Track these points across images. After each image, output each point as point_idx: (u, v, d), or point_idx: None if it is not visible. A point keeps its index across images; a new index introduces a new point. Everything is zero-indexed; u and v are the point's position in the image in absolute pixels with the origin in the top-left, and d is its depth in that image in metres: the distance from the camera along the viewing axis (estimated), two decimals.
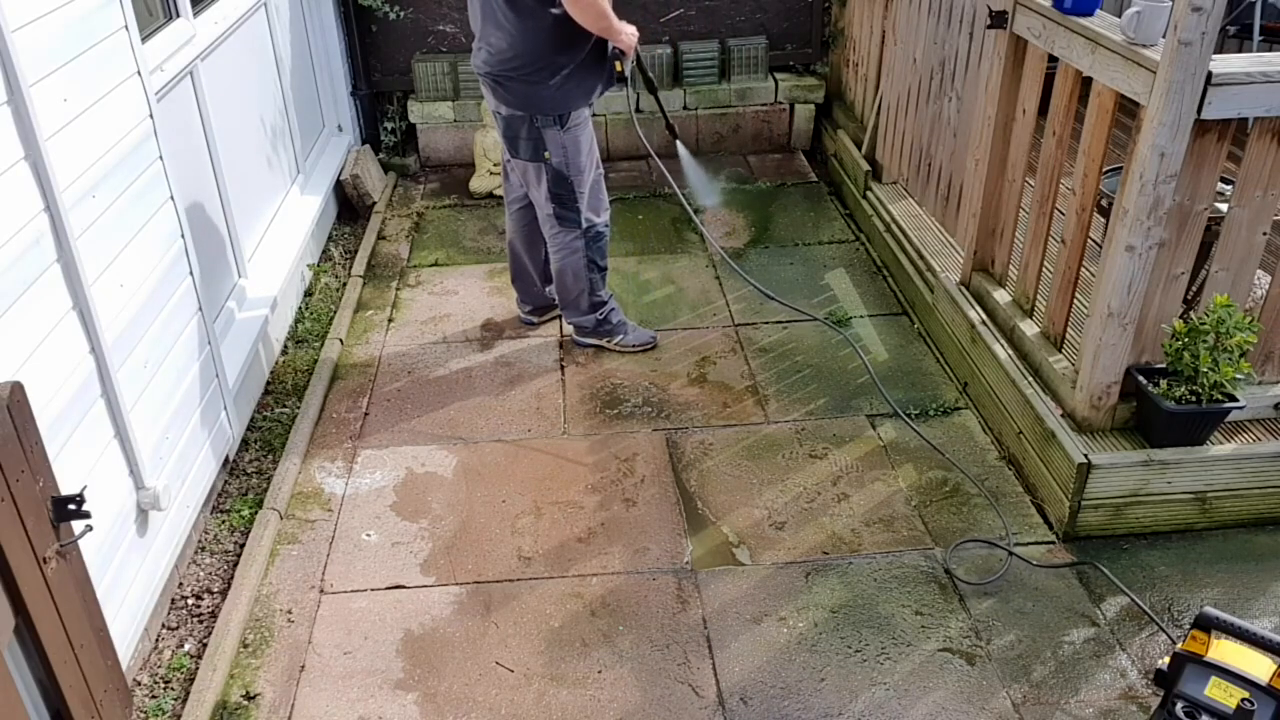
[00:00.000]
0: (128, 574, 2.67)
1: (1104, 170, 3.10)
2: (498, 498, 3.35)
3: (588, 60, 3.59)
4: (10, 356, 2.21)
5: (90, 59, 2.64)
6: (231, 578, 3.04)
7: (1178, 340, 2.95)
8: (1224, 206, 2.95)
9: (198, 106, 3.73)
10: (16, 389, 1.96)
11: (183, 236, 3.16)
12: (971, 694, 2.62)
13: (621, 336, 4.11)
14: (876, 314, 4.36)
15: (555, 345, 4.20)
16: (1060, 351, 3.36)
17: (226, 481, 3.46)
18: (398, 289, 4.68)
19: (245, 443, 3.63)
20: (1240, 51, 4.64)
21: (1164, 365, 3.04)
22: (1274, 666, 2.09)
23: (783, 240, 5.02)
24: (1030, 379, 3.34)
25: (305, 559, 3.12)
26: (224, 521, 3.29)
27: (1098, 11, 3.07)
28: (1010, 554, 3.02)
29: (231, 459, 3.53)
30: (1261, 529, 3.11)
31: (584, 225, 3.85)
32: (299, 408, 3.78)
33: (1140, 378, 3.04)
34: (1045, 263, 3.48)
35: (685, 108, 5.90)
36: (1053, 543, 3.10)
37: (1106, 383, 3.08)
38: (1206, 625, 2.15)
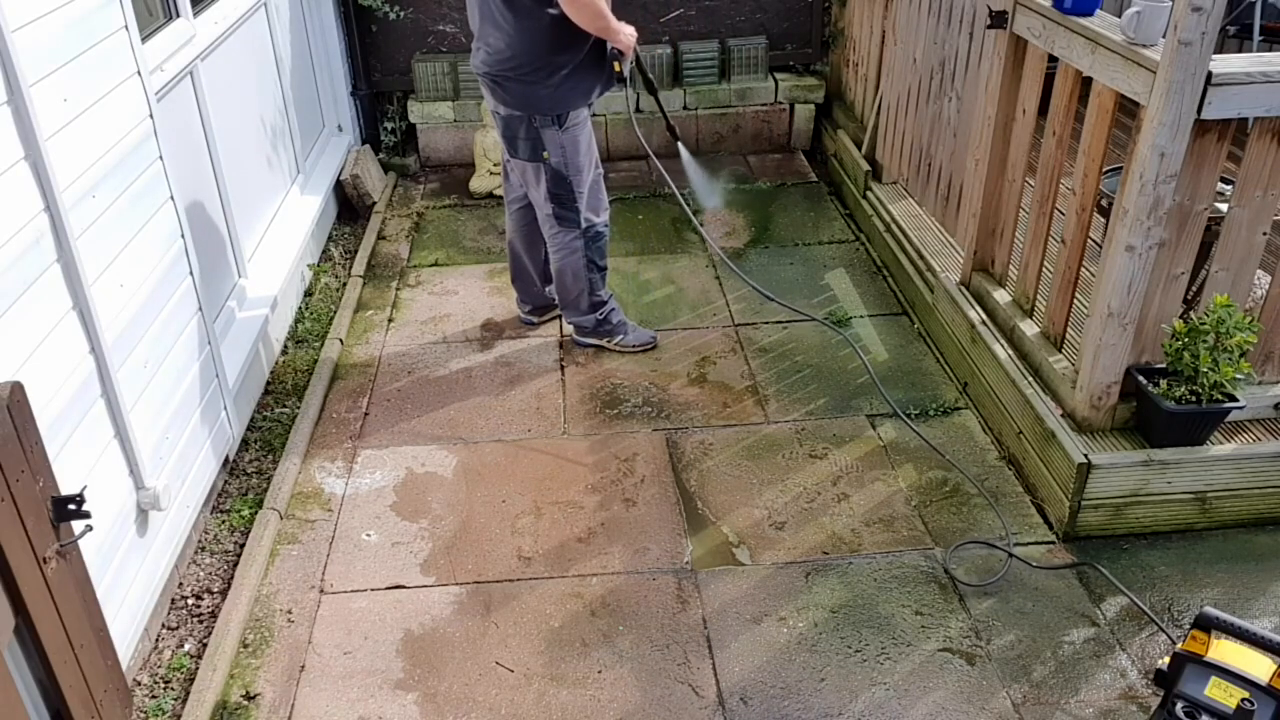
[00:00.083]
0: (128, 574, 2.67)
1: (1104, 170, 3.10)
2: (498, 498, 3.35)
3: (586, 60, 3.59)
4: (10, 356, 2.21)
5: (90, 59, 2.64)
6: (231, 578, 3.04)
7: (1178, 340, 2.95)
8: (1224, 206, 2.95)
9: (198, 106, 3.73)
10: (16, 389, 1.96)
11: (183, 236, 3.16)
12: (971, 694, 2.62)
13: (621, 336, 4.11)
14: (876, 314, 4.36)
15: (555, 345, 4.20)
16: (1060, 351, 3.36)
17: (226, 481, 3.47)
18: (398, 289, 4.68)
19: (245, 443, 3.64)
20: (1240, 51, 4.64)
21: (1164, 365, 3.04)
22: (1274, 666, 2.09)
23: (783, 240, 5.02)
24: (1030, 379, 3.34)
25: (305, 559, 3.12)
26: (224, 521, 3.29)
27: (1098, 11, 3.07)
28: (1010, 555, 3.02)
29: (231, 459, 3.53)
30: (1261, 529, 3.11)
31: (583, 225, 3.85)
32: (299, 408, 3.78)
33: (1140, 378, 3.04)
34: (1045, 263, 3.48)
35: (685, 108, 5.90)
36: (1053, 543, 3.10)
37: (1106, 383, 3.08)
38: (1206, 625, 2.15)
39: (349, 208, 5.42)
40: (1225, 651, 2.14)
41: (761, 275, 4.65)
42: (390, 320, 4.43)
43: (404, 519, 3.28)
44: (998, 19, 3.47)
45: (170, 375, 3.01)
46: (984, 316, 3.71)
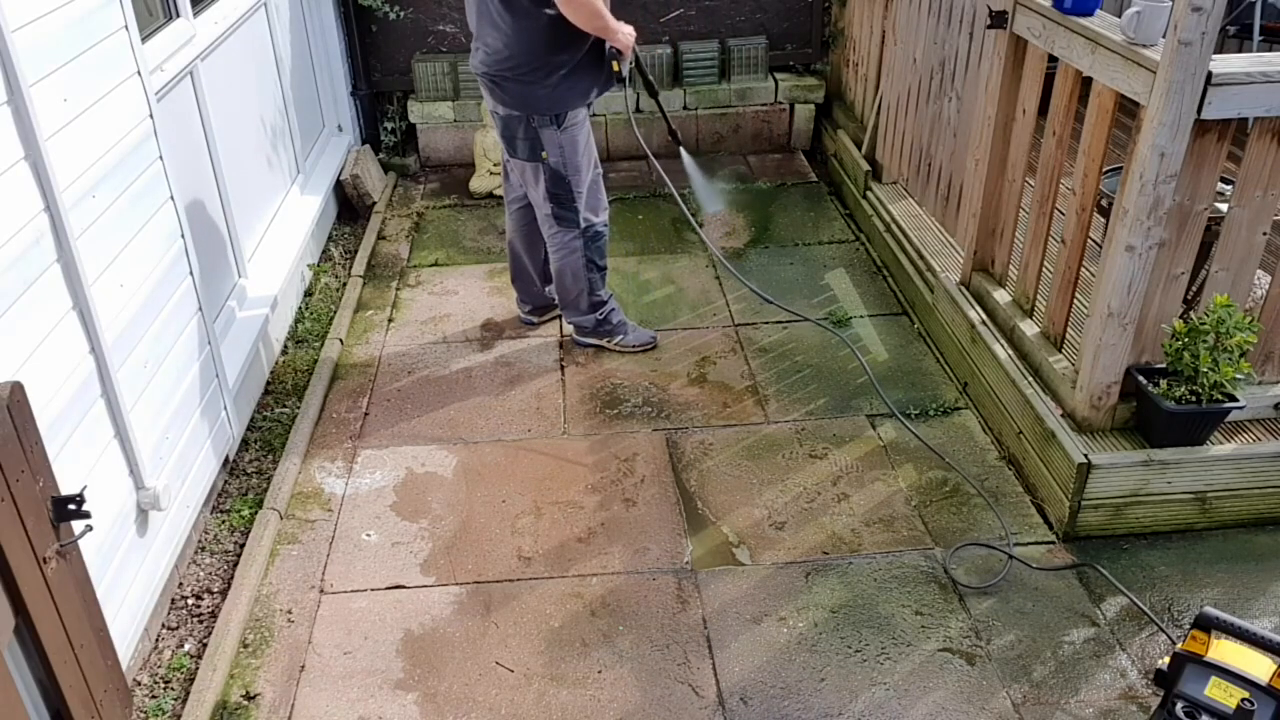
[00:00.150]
0: (128, 574, 2.67)
1: (1104, 170, 3.10)
2: (498, 498, 3.35)
3: (584, 60, 3.59)
4: (10, 356, 2.21)
5: (90, 59, 2.64)
6: (231, 578, 3.04)
7: (1178, 340, 2.95)
8: (1224, 206, 2.95)
9: (198, 106, 3.73)
10: (16, 389, 1.96)
11: (183, 236, 3.16)
12: (971, 694, 2.62)
13: (621, 336, 4.11)
14: (876, 314, 4.36)
15: (555, 345, 4.20)
16: (1060, 351, 3.36)
17: (226, 481, 3.47)
18: (398, 289, 4.68)
19: (245, 443, 3.64)
20: (1240, 51, 4.64)
21: (1164, 365, 3.04)
22: (1274, 666, 2.09)
23: (783, 240, 5.02)
24: (1030, 379, 3.34)
25: (305, 559, 3.12)
26: (224, 521, 3.29)
27: (1098, 11, 3.07)
28: (1010, 558, 3.02)
29: (231, 459, 3.53)
30: (1261, 529, 3.11)
31: (582, 225, 3.85)
32: (299, 408, 3.78)
33: (1140, 378, 3.04)
34: (1045, 263, 3.48)
35: (685, 108, 5.90)
36: (1053, 543, 3.10)
37: (1106, 383, 3.08)
38: (1206, 625, 2.15)
39: (349, 208, 5.42)
40: (1225, 651, 2.14)
41: (761, 275, 4.65)
42: (390, 320, 4.43)
43: (404, 519, 3.28)
44: (998, 19, 3.47)
45: (170, 375, 3.01)
46: (984, 316, 3.71)
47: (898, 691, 2.63)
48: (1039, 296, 3.55)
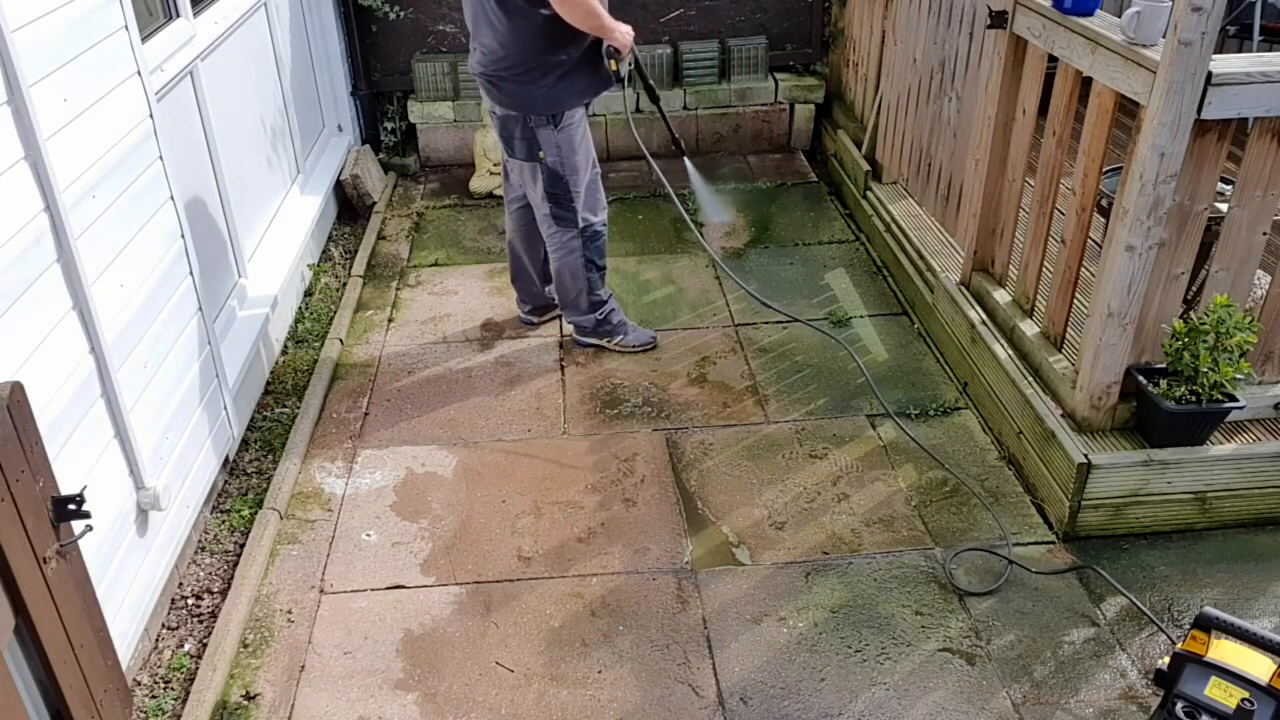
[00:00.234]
0: (128, 574, 2.67)
1: (1104, 170, 3.10)
2: (498, 498, 3.35)
3: (582, 60, 3.58)
4: (10, 356, 2.21)
5: (90, 59, 2.64)
6: (231, 578, 3.04)
7: (1178, 340, 2.95)
8: (1224, 206, 2.95)
9: (198, 106, 3.73)
10: (16, 389, 1.96)
11: (183, 236, 3.16)
12: (971, 694, 2.62)
13: (621, 336, 4.11)
14: (876, 314, 4.36)
15: (555, 345, 4.20)
16: (1060, 351, 3.36)
17: (226, 481, 3.47)
18: (398, 289, 4.68)
19: (245, 442, 3.64)
20: (1240, 51, 4.64)
21: (1164, 365, 3.04)
22: (1274, 666, 2.09)
23: (783, 240, 5.02)
24: (1030, 379, 3.34)
25: (305, 559, 3.12)
26: (224, 521, 3.29)
27: (1098, 11, 3.07)
28: (1010, 562, 3.01)
29: (231, 459, 3.53)
30: (1261, 529, 3.11)
31: (581, 225, 3.85)
32: (299, 408, 3.78)
33: (1140, 378, 3.04)
34: (1045, 263, 3.48)
35: (685, 108, 5.90)
36: (1053, 543, 3.10)
37: (1106, 383, 3.07)
38: (1206, 625, 2.15)
39: (349, 208, 5.42)
40: (1225, 651, 2.14)
41: (762, 275, 4.65)
42: (390, 320, 4.43)
43: (404, 519, 3.28)
44: (998, 19, 3.47)
45: (170, 375, 3.01)
46: (984, 316, 3.71)
47: (898, 691, 2.63)
48: (1039, 296, 3.55)
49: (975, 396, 3.71)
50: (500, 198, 4.83)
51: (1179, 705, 2.13)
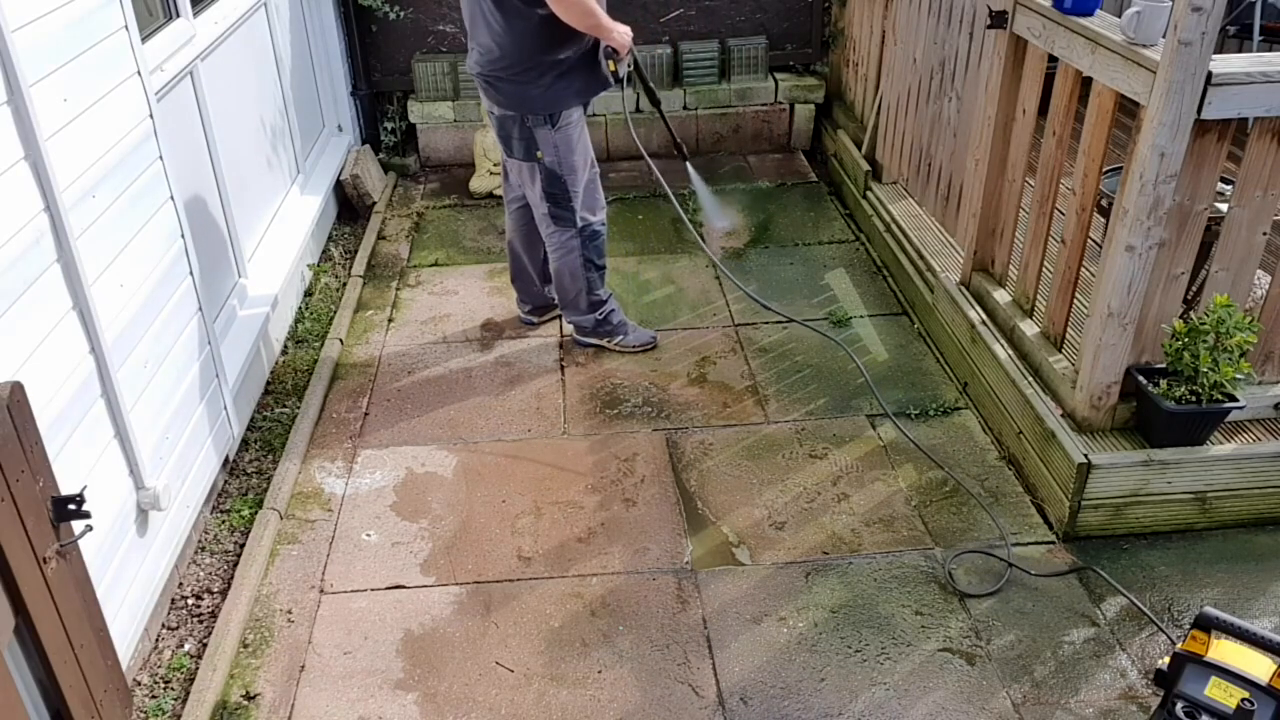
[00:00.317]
0: (128, 574, 2.67)
1: (1104, 170, 3.10)
2: (498, 498, 3.35)
3: (579, 60, 3.58)
4: (10, 356, 2.21)
5: (90, 59, 2.64)
6: (231, 578, 3.04)
7: (1178, 340, 2.95)
8: (1224, 206, 2.95)
9: (198, 106, 3.73)
10: (16, 389, 1.96)
11: (183, 236, 3.16)
12: (971, 694, 2.62)
13: (621, 337, 4.11)
14: (876, 314, 4.36)
15: (555, 345, 4.20)
16: (1060, 351, 3.36)
17: (226, 481, 3.47)
18: (398, 289, 4.68)
19: (245, 442, 3.64)
20: (1240, 51, 4.64)
21: (1164, 365, 3.04)
22: (1274, 666, 2.09)
23: (783, 240, 5.02)
24: (1030, 379, 3.34)
25: (305, 559, 3.12)
26: (224, 521, 3.29)
27: (1098, 11, 3.07)
28: (1010, 565, 3.01)
29: (231, 459, 3.53)
30: (1261, 529, 3.11)
31: (580, 224, 3.85)
32: (299, 408, 3.78)
33: (1140, 378, 3.04)
34: (1045, 263, 3.48)
35: (685, 108, 5.90)
36: (1053, 543, 3.10)
37: (1106, 383, 3.08)
38: (1206, 625, 2.15)
39: (349, 208, 5.42)
40: (1225, 651, 2.14)
41: (762, 275, 4.65)
42: (390, 320, 4.43)
43: (404, 519, 3.28)
44: (998, 19, 3.47)
45: (170, 375, 3.01)
46: (984, 316, 3.71)
47: (898, 691, 2.63)
48: (1039, 296, 3.55)
49: (975, 396, 3.71)
50: (500, 198, 4.83)
51: (1179, 705, 2.13)
